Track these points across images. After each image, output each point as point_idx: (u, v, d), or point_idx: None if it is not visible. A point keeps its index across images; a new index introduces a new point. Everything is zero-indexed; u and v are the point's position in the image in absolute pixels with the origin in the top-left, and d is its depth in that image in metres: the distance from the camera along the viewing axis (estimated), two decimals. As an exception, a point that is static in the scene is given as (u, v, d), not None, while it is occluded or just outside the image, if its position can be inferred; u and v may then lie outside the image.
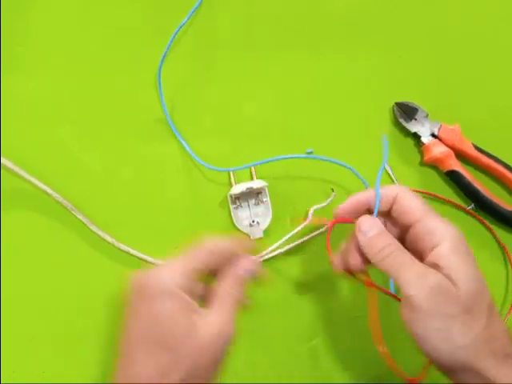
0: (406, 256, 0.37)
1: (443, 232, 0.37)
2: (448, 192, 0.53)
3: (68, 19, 0.55)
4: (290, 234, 0.49)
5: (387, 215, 0.41)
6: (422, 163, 0.53)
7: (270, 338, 0.50)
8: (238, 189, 0.49)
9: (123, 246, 0.49)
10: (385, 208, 0.41)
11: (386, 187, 0.41)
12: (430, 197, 0.53)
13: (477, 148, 0.52)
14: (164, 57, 0.53)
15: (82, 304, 0.49)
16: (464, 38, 0.56)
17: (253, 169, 0.52)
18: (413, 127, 0.53)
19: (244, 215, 0.51)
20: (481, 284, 0.36)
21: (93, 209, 0.51)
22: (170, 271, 0.37)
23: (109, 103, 0.53)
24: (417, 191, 0.53)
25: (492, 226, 0.52)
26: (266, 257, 0.50)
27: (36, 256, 0.50)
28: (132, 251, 0.49)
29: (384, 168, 0.53)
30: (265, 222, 0.51)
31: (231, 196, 0.50)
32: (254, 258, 0.42)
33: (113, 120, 0.53)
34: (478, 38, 0.56)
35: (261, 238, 0.50)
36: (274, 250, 0.49)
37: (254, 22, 0.56)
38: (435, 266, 0.36)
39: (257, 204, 0.51)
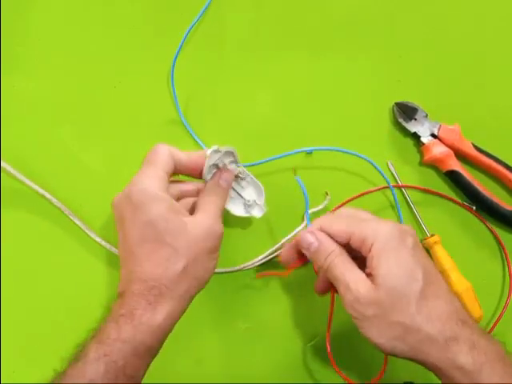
0: (345, 262, 0.40)
1: (373, 235, 0.39)
2: (448, 192, 0.53)
3: (69, 19, 0.55)
4: (287, 238, 0.49)
5: None
6: (422, 163, 0.53)
7: (270, 337, 0.49)
8: (206, 164, 0.46)
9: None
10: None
11: (309, 227, 0.43)
12: (432, 194, 0.53)
13: (476, 148, 0.52)
14: (176, 57, 0.53)
15: (82, 304, 0.49)
16: (464, 38, 0.56)
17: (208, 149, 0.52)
18: (412, 127, 0.53)
19: (238, 203, 0.50)
20: (404, 277, 0.38)
21: (93, 210, 0.51)
22: (148, 178, 0.41)
23: (113, 103, 0.54)
24: (419, 188, 0.53)
25: (491, 226, 0.52)
26: (263, 260, 0.50)
27: (36, 258, 0.50)
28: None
29: (388, 165, 0.53)
30: (261, 197, 0.49)
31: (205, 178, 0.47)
32: (231, 168, 0.46)
33: (117, 120, 0.53)
34: (478, 38, 0.56)
35: (266, 213, 0.50)
36: (272, 254, 0.50)
37: (259, 23, 0.56)
38: (371, 267, 0.38)
39: (242, 186, 0.50)
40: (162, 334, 0.39)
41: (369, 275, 0.39)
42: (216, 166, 0.46)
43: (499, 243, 0.52)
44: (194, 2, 0.55)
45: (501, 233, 0.52)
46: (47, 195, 0.50)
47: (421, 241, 0.51)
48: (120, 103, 0.54)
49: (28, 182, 0.50)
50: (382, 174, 0.50)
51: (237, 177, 0.49)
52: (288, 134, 0.54)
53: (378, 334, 0.38)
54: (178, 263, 0.39)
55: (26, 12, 0.55)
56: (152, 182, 0.41)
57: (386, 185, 0.52)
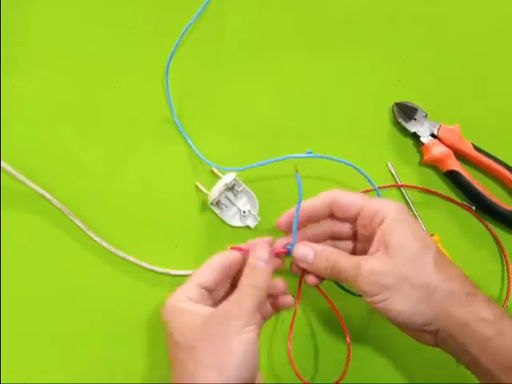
0: (346, 256, 0.41)
1: (386, 208, 0.40)
2: (447, 192, 0.53)
3: (69, 19, 0.55)
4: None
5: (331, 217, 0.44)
6: (422, 163, 0.53)
7: (269, 338, 0.50)
8: (215, 193, 0.49)
9: (120, 253, 0.49)
10: (325, 212, 0.43)
11: (321, 194, 0.43)
12: (432, 194, 0.53)
13: (476, 148, 0.52)
14: (171, 57, 0.53)
15: (82, 305, 0.49)
16: (464, 38, 0.56)
17: (214, 169, 0.52)
18: (412, 127, 0.53)
19: (232, 212, 0.51)
20: (419, 244, 0.39)
21: (93, 211, 0.51)
22: (178, 291, 0.40)
23: (113, 103, 0.54)
24: (419, 188, 0.53)
25: (491, 226, 0.52)
26: None
27: (36, 258, 0.50)
28: (128, 257, 0.49)
29: (388, 166, 0.53)
30: (255, 207, 0.51)
31: (212, 203, 0.50)
32: (264, 244, 0.42)
33: (117, 120, 0.53)
34: (478, 39, 0.56)
35: (259, 222, 0.50)
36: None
37: (257, 23, 0.56)
38: (382, 241, 0.39)
39: (236, 195, 0.51)
40: None
41: (375, 251, 0.39)
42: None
43: (498, 244, 0.52)
44: (193, 1, 0.55)
45: (500, 233, 0.52)
46: (47, 195, 0.50)
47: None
48: (120, 103, 0.54)
49: (28, 182, 0.50)
50: (368, 180, 0.50)
51: (232, 188, 0.50)
52: (287, 134, 0.54)
53: (403, 301, 0.38)
54: (191, 363, 0.37)
55: (26, 12, 0.55)
56: (176, 296, 0.40)
57: (387, 184, 0.52)
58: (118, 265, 0.50)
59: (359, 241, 0.44)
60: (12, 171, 0.49)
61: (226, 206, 0.51)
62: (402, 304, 0.38)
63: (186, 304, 0.39)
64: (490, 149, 0.52)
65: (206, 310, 0.39)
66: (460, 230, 0.53)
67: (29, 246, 0.50)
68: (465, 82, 0.55)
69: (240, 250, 0.43)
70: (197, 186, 0.52)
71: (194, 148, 0.52)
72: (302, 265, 0.42)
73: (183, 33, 0.53)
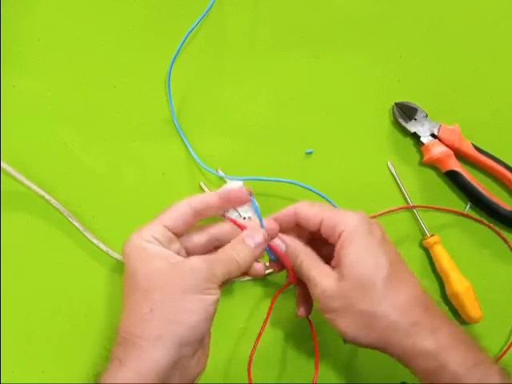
0: (310, 259, 0.41)
1: (344, 221, 0.40)
2: (447, 192, 0.53)
3: (69, 19, 0.55)
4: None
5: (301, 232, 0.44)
6: (422, 163, 0.53)
7: (269, 337, 0.50)
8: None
9: (117, 255, 0.49)
10: (291, 224, 0.43)
11: (287, 207, 0.43)
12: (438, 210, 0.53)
13: (476, 148, 0.52)
14: (174, 59, 0.53)
15: (81, 305, 0.49)
16: (464, 38, 0.56)
17: (220, 170, 0.52)
18: (412, 127, 0.53)
19: (233, 217, 0.50)
20: (370, 265, 0.38)
21: (92, 212, 0.51)
22: (140, 231, 0.39)
23: (113, 103, 0.53)
24: (429, 207, 0.53)
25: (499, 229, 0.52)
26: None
27: (35, 259, 0.50)
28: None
29: (388, 166, 0.53)
30: (256, 213, 0.50)
31: None
32: (262, 230, 0.43)
33: (117, 120, 0.53)
34: (478, 39, 0.56)
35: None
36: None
37: (259, 25, 0.56)
38: (338, 256, 0.39)
39: None
40: None
41: (335, 266, 0.40)
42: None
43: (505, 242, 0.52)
44: (196, 4, 0.55)
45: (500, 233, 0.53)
46: (46, 196, 0.49)
47: (421, 241, 0.52)
48: (120, 103, 0.54)
49: (27, 182, 0.49)
50: (329, 201, 0.50)
51: None
52: (288, 134, 0.54)
53: (345, 325, 0.38)
54: (144, 305, 0.36)
55: (26, 12, 0.55)
56: (141, 234, 0.39)
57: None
58: (116, 267, 0.50)
59: None
60: (11, 171, 0.49)
61: (227, 211, 0.50)
62: (345, 326, 0.38)
63: (153, 246, 0.38)
64: (490, 149, 0.52)
65: (176, 257, 0.38)
66: (460, 230, 0.53)
67: (28, 246, 0.50)
68: (465, 82, 0.55)
69: (236, 223, 0.43)
70: (200, 187, 0.52)
71: (191, 150, 0.52)
72: (277, 255, 0.43)
73: (186, 35, 0.53)
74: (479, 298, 0.49)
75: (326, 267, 0.41)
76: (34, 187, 0.49)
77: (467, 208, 0.52)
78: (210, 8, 0.54)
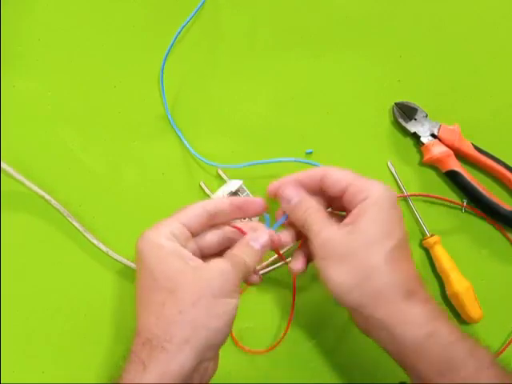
0: (322, 216, 0.40)
1: (371, 188, 0.40)
2: (447, 192, 0.53)
3: (69, 19, 0.55)
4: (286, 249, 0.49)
5: (319, 193, 0.43)
6: (422, 163, 0.53)
7: (270, 337, 0.50)
8: (219, 197, 0.49)
9: (117, 256, 0.49)
10: (315, 187, 0.42)
11: (311, 169, 0.43)
12: (433, 198, 0.53)
13: (476, 148, 0.52)
14: (167, 55, 0.53)
15: (81, 305, 0.49)
16: (464, 38, 0.56)
17: (220, 170, 0.52)
18: (412, 127, 0.53)
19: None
20: (383, 230, 0.38)
21: (92, 212, 0.51)
22: (156, 228, 0.39)
23: (113, 103, 0.54)
24: (422, 195, 0.53)
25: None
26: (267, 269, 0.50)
27: (35, 259, 0.50)
28: (126, 261, 0.49)
29: (388, 166, 0.53)
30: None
31: None
32: (267, 231, 0.42)
33: (117, 120, 0.53)
34: (478, 39, 0.56)
35: None
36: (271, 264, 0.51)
37: (256, 22, 0.56)
38: (355, 216, 0.39)
39: None
40: None
41: (347, 224, 0.39)
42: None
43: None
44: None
45: (500, 233, 0.53)
46: (46, 196, 0.49)
47: (421, 241, 0.52)
48: (120, 103, 0.54)
49: (27, 182, 0.49)
50: None
51: (236, 194, 0.50)
52: (287, 134, 0.54)
53: (343, 274, 0.38)
54: (172, 307, 0.35)
55: (26, 12, 0.55)
56: (158, 231, 0.38)
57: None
58: (116, 268, 0.50)
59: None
60: (11, 172, 0.49)
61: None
62: (341, 276, 0.38)
63: (171, 244, 0.38)
64: (490, 149, 0.52)
65: (195, 259, 0.38)
66: (460, 230, 0.53)
67: (28, 246, 0.50)
68: (465, 82, 0.55)
69: (238, 229, 0.42)
70: (200, 186, 0.52)
71: (189, 147, 0.52)
72: (285, 206, 0.42)
73: (179, 32, 0.53)
74: (479, 298, 0.49)
75: (335, 224, 0.40)
76: (34, 187, 0.49)
77: (463, 209, 0.53)
78: (203, 3, 0.54)
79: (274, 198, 0.43)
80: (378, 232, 0.38)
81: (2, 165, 0.49)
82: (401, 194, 0.52)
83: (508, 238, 0.52)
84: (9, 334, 0.48)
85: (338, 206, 0.43)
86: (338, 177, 0.41)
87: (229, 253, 0.40)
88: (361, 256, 0.38)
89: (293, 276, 0.48)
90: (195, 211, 0.40)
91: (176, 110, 0.54)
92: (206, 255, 0.41)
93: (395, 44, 0.56)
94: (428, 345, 0.36)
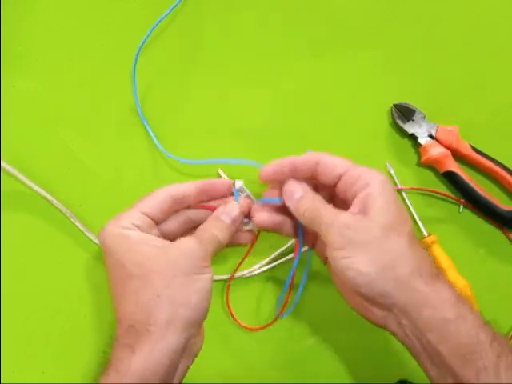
0: (330, 206, 0.39)
1: (370, 174, 0.38)
2: (445, 192, 0.54)
3: (69, 19, 0.55)
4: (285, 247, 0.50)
5: (314, 180, 0.42)
6: (420, 164, 0.54)
7: (270, 337, 0.50)
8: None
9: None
10: (308, 172, 0.41)
11: (305, 155, 0.42)
12: (429, 194, 0.53)
13: (474, 149, 0.53)
14: (138, 52, 0.53)
15: (81, 305, 0.49)
16: (463, 39, 0.57)
17: (221, 171, 0.52)
18: (410, 128, 0.53)
19: None
20: (398, 215, 0.38)
21: (93, 211, 0.51)
22: (116, 219, 0.39)
23: (113, 103, 0.54)
24: (415, 188, 0.53)
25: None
26: (264, 268, 0.51)
27: (35, 258, 0.50)
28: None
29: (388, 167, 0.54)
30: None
31: None
32: (236, 204, 0.42)
33: (117, 120, 0.53)
34: (477, 40, 0.57)
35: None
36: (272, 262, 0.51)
37: (241, 23, 0.56)
38: (364, 203, 0.38)
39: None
40: (154, 377, 0.35)
41: (354, 213, 0.38)
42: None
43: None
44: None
45: (498, 233, 0.53)
46: (48, 196, 0.49)
47: (419, 240, 0.52)
48: (120, 103, 0.54)
49: (28, 182, 0.49)
50: None
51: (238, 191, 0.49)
52: (287, 134, 0.54)
53: (367, 263, 0.36)
54: (147, 292, 0.36)
55: (26, 12, 0.55)
56: (120, 223, 0.39)
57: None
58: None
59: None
60: (12, 171, 0.49)
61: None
62: (364, 265, 0.36)
63: (135, 233, 0.38)
64: (488, 150, 0.52)
65: (161, 241, 0.38)
66: (457, 230, 0.53)
67: (28, 246, 0.50)
68: (463, 83, 0.56)
69: (206, 207, 0.42)
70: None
71: (155, 140, 0.52)
72: (287, 200, 0.41)
73: (153, 27, 0.53)
74: (476, 297, 0.49)
75: (346, 212, 0.38)
76: (35, 187, 0.49)
77: (461, 206, 0.53)
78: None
79: (268, 184, 0.43)
80: (392, 219, 0.37)
81: (3, 164, 0.49)
82: (398, 187, 0.53)
83: (507, 236, 0.53)
84: (9, 334, 0.48)
85: (326, 195, 0.42)
86: (335, 163, 0.40)
87: (198, 229, 0.40)
88: (382, 242, 0.36)
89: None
90: (158, 197, 0.40)
91: (177, 112, 0.54)
92: (171, 240, 0.40)
93: (395, 44, 0.56)
94: (455, 327, 0.35)
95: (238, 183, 0.49)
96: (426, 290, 0.36)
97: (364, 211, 0.37)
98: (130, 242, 0.38)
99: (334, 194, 0.42)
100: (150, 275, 0.36)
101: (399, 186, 0.53)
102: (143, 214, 0.40)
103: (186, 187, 0.41)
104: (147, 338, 0.35)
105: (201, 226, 0.40)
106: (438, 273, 0.37)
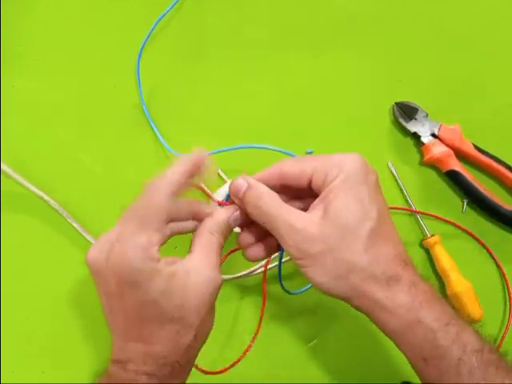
0: (281, 202, 0.37)
1: (339, 167, 0.37)
2: (447, 192, 0.53)
3: (69, 19, 0.55)
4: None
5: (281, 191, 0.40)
6: (422, 163, 0.53)
7: (269, 337, 0.50)
8: (219, 197, 0.47)
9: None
10: (276, 183, 0.39)
11: (269, 168, 0.39)
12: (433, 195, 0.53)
13: (477, 148, 0.52)
14: (141, 50, 0.53)
15: (80, 305, 0.49)
16: (464, 38, 0.56)
17: (221, 172, 0.52)
18: (413, 127, 0.53)
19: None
20: (358, 213, 0.36)
21: (91, 212, 0.51)
22: (135, 243, 0.35)
23: (113, 103, 0.54)
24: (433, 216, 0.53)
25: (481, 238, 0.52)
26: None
27: (34, 259, 0.50)
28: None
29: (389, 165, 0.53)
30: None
31: None
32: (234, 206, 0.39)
33: (117, 121, 0.53)
34: (478, 39, 0.56)
35: None
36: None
37: (244, 20, 0.56)
38: (325, 199, 0.36)
39: None
40: None
41: (315, 207, 0.37)
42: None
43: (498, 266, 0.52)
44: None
45: (500, 233, 0.52)
46: (45, 197, 0.49)
47: (421, 241, 0.51)
48: (120, 103, 0.54)
49: (26, 183, 0.50)
50: None
51: None
52: (287, 134, 0.54)
53: (322, 273, 0.36)
54: (188, 334, 0.36)
55: (26, 12, 0.55)
56: (145, 251, 0.35)
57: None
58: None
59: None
60: (10, 172, 0.49)
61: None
62: (318, 276, 0.36)
63: (165, 267, 0.35)
64: (491, 149, 0.52)
65: (183, 271, 0.35)
66: (460, 231, 0.52)
67: (27, 246, 0.50)
68: (465, 81, 0.55)
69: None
70: (200, 187, 0.52)
71: (160, 136, 0.52)
72: (236, 199, 0.39)
73: (156, 23, 0.53)
74: (479, 298, 0.49)
75: (302, 212, 0.37)
76: (33, 188, 0.49)
77: (464, 205, 0.53)
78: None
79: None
80: (351, 216, 0.36)
81: (2, 166, 0.49)
82: (403, 207, 0.52)
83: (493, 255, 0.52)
84: (9, 333, 0.48)
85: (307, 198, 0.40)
86: (296, 172, 0.38)
87: (200, 247, 0.37)
88: (336, 252, 0.35)
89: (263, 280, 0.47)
90: (161, 214, 0.36)
91: (177, 112, 0.54)
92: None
93: (395, 44, 0.56)
94: (411, 333, 0.35)
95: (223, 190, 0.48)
96: (382, 296, 0.35)
97: (323, 210, 0.36)
98: (163, 282, 0.35)
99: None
100: (189, 318, 0.36)
101: (414, 209, 0.52)
102: (158, 232, 0.36)
103: (177, 175, 0.37)
104: (181, 375, 0.37)
105: (201, 244, 0.38)
106: (398, 273, 0.36)
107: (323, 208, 0.36)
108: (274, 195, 0.38)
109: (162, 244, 0.36)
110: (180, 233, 0.39)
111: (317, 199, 0.37)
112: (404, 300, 0.35)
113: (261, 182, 0.38)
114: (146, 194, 0.36)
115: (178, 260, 0.36)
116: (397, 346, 0.37)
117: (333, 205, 0.36)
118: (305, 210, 0.38)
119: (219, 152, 0.47)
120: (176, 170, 0.37)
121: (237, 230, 0.43)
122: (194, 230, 0.39)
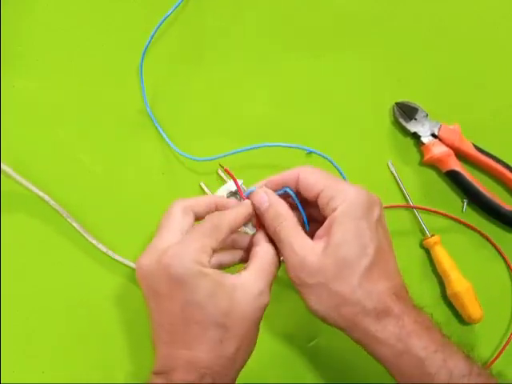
0: (293, 227, 0.39)
1: (342, 195, 0.38)
2: (448, 192, 0.53)
3: (69, 19, 0.55)
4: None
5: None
6: (422, 163, 0.53)
7: (270, 338, 0.49)
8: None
9: (117, 256, 0.49)
10: (292, 187, 0.42)
11: (289, 170, 0.42)
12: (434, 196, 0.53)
13: (477, 148, 0.52)
14: (145, 51, 0.53)
15: (80, 305, 0.49)
16: (464, 38, 0.56)
17: (220, 172, 0.52)
18: (413, 127, 0.53)
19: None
20: (356, 249, 0.37)
21: (91, 213, 0.51)
22: (188, 248, 0.37)
23: (113, 103, 0.54)
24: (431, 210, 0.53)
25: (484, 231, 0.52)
26: None
27: (34, 260, 0.50)
28: (126, 261, 0.49)
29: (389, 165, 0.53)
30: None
31: None
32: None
33: (117, 121, 0.53)
34: (478, 39, 0.56)
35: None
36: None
37: (246, 21, 0.56)
38: (328, 230, 0.38)
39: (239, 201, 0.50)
40: None
41: (320, 238, 0.38)
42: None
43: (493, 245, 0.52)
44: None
45: (501, 232, 0.52)
46: (45, 197, 0.49)
47: (421, 241, 0.51)
48: (119, 103, 0.54)
49: (26, 183, 0.49)
50: (340, 173, 0.50)
51: (235, 193, 0.49)
52: (287, 134, 0.53)
53: (316, 302, 0.38)
54: (230, 344, 0.36)
55: (26, 12, 0.55)
56: (194, 253, 0.37)
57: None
58: (115, 268, 0.50)
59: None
60: (10, 172, 0.49)
61: None
62: (313, 303, 0.38)
63: (213, 272, 0.37)
64: (491, 149, 0.52)
65: (232, 282, 0.37)
66: (461, 231, 0.52)
67: (28, 247, 0.50)
68: (465, 81, 0.55)
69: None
70: (200, 186, 0.52)
71: (166, 137, 0.52)
72: (257, 210, 0.41)
73: (158, 25, 0.53)
74: (479, 298, 0.49)
75: (308, 240, 0.39)
76: (33, 188, 0.49)
77: (464, 205, 0.52)
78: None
79: None
80: (349, 252, 0.37)
81: (2, 166, 0.49)
82: (403, 205, 0.52)
83: (497, 247, 0.52)
84: (9, 333, 0.48)
85: (315, 208, 0.41)
86: (311, 180, 0.40)
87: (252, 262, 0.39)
88: (331, 285, 0.37)
89: None
90: (223, 231, 0.39)
91: (162, 108, 0.54)
92: None
93: (395, 44, 0.56)
94: (400, 363, 0.37)
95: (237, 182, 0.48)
96: (373, 329, 0.37)
97: (328, 236, 0.38)
98: (211, 285, 0.36)
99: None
100: (232, 328, 0.36)
101: (411, 204, 0.52)
102: (212, 249, 0.38)
103: (240, 216, 0.41)
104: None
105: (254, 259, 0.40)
106: (389, 307, 0.37)
107: (327, 238, 0.38)
108: (290, 217, 0.40)
109: (211, 256, 0.38)
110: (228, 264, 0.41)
111: (322, 227, 0.39)
112: (392, 331, 0.37)
113: (280, 182, 0.41)
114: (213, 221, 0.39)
115: (229, 274, 0.38)
116: (389, 373, 0.38)
117: (334, 238, 0.37)
118: (316, 219, 0.41)
119: (232, 154, 0.49)
120: (241, 214, 0.41)
121: (249, 230, 0.44)
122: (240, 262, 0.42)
